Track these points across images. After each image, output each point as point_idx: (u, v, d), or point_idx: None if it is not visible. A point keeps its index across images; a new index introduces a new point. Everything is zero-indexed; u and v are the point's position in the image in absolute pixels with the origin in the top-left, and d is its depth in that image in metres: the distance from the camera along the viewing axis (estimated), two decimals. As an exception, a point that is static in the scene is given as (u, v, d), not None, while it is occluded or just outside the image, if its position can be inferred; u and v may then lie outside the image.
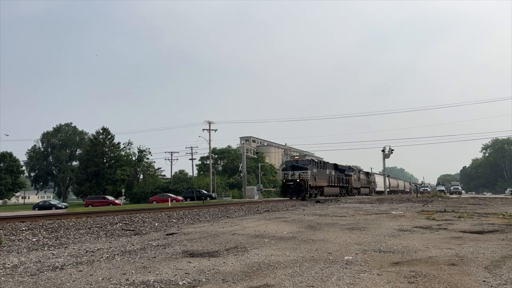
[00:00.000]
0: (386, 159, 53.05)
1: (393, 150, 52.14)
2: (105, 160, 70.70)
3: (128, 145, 70.12)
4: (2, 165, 78.30)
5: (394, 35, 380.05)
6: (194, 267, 4.38)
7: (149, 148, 70.15)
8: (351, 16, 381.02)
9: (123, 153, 70.37)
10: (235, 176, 72.30)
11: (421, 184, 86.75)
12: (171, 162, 72.35)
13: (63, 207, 47.56)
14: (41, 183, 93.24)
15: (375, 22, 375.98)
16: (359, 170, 52.13)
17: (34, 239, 7.14)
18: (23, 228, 8.49)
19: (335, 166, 39.41)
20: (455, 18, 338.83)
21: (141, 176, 68.81)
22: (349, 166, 48.05)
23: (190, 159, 70.72)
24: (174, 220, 11.00)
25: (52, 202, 53.15)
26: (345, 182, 40.65)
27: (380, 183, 59.38)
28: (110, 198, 50.61)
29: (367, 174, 56.24)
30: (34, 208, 47.26)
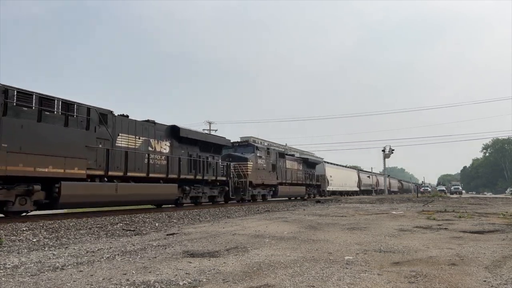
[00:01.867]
0: (386, 159, 52.98)
1: (393, 150, 52.08)
2: (105, 161, 70.48)
3: (128, 145, 69.87)
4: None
5: (393, 35, 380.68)
6: (195, 267, 4.38)
7: (149, 148, 69.87)
8: (349, 16, 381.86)
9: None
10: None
11: (421, 184, 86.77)
12: (172, 162, 72.20)
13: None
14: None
15: (373, 22, 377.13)
16: (283, 153, 28.06)
17: (35, 240, 7.14)
18: (24, 228, 8.49)
19: (172, 130, 16.47)
20: (453, 18, 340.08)
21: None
22: (247, 141, 26.05)
23: (190, 159, 70.56)
24: (174, 220, 11.00)
25: None
26: (214, 172, 18.56)
27: (338, 179, 40.29)
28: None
29: (306, 162, 32.42)
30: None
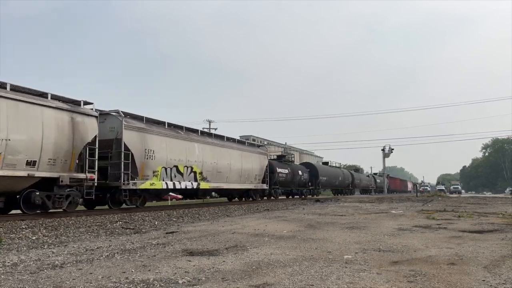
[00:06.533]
0: (386, 159, 52.97)
1: (393, 149, 52.11)
2: (105, 159, 70.26)
3: (128, 143, 69.68)
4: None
5: (393, 35, 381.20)
6: (194, 265, 4.38)
7: (149, 147, 69.63)
8: (349, 17, 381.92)
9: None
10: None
11: (421, 184, 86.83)
12: (171, 161, 72.07)
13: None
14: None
15: (374, 23, 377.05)
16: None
17: (34, 237, 7.14)
18: (23, 226, 8.49)
19: None
20: (453, 18, 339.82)
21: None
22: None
23: (190, 158, 70.48)
24: (174, 219, 11.00)
25: None
26: None
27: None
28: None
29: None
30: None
